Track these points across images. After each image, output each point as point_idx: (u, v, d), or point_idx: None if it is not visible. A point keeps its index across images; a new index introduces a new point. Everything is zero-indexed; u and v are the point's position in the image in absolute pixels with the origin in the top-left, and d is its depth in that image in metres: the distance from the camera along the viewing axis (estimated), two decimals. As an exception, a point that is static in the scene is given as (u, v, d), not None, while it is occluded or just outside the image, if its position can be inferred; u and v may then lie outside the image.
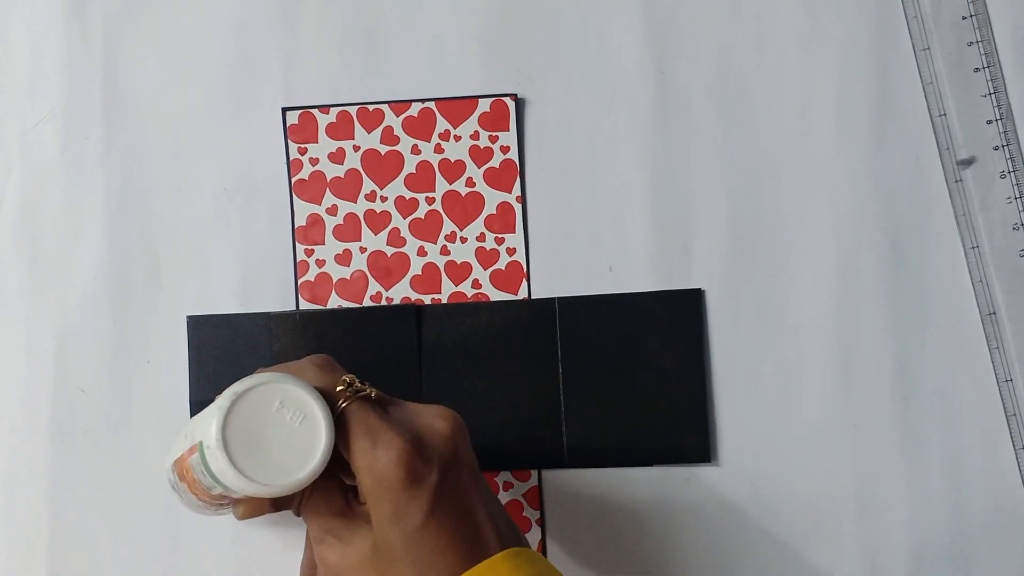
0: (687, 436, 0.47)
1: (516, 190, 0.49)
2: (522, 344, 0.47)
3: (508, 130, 0.49)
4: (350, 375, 0.37)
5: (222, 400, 0.35)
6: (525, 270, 0.48)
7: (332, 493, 0.36)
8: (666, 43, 0.49)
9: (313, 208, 0.49)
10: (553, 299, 0.48)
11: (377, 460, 0.34)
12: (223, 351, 0.48)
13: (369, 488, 0.34)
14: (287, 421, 0.35)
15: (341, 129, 0.49)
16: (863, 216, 0.48)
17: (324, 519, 0.36)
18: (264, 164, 0.49)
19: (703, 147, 0.48)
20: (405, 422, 0.36)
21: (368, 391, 0.36)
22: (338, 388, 0.36)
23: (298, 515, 0.37)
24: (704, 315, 0.48)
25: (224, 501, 0.38)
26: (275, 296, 0.49)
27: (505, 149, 0.49)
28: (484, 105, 0.49)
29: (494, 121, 0.49)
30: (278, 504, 0.37)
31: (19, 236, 0.50)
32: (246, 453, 0.34)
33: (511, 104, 0.49)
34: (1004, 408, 0.47)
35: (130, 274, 0.49)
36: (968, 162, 0.47)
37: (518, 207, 0.48)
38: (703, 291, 0.48)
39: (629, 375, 0.47)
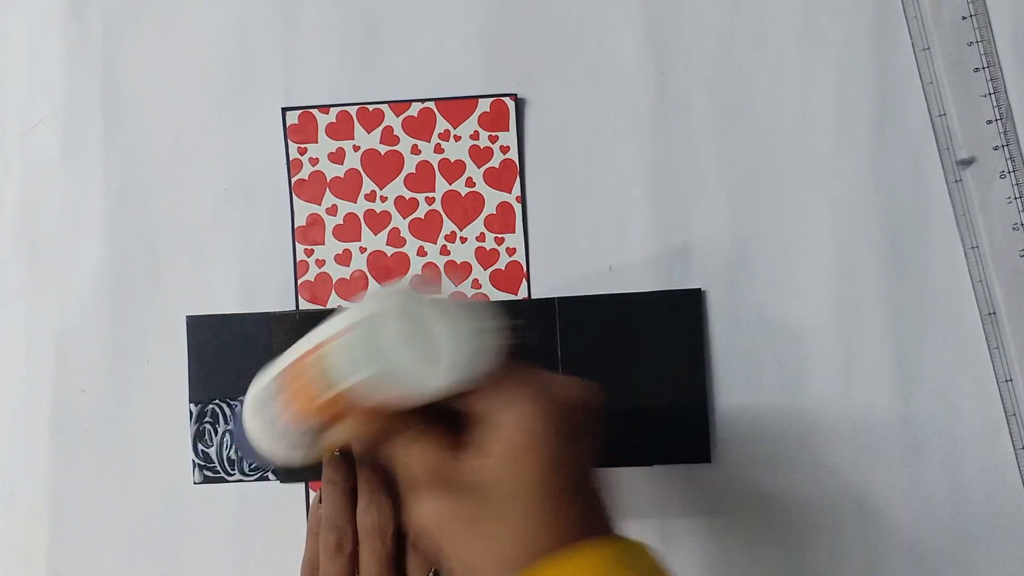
0: (687, 436, 0.47)
1: (516, 190, 0.48)
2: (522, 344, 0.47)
3: (508, 130, 0.49)
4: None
5: (397, 285, 0.33)
6: (525, 270, 0.48)
7: (436, 438, 0.34)
8: (666, 43, 0.49)
9: (313, 208, 0.49)
10: (553, 299, 0.48)
11: (516, 413, 0.32)
12: (223, 351, 0.48)
13: (498, 441, 0.32)
14: (453, 332, 0.33)
15: (341, 129, 0.49)
16: (863, 216, 0.48)
17: (422, 464, 0.34)
18: (264, 164, 0.49)
19: (703, 147, 0.48)
20: (553, 384, 0.34)
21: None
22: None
23: (386, 456, 0.34)
24: (704, 315, 0.48)
25: (322, 417, 0.34)
26: (275, 296, 0.49)
27: (505, 149, 0.49)
28: (484, 105, 0.49)
29: (494, 121, 0.49)
30: (389, 425, 0.34)
31: (19, 236, 0.50)
32: (412, 333, 0.32)
33: (511, 104, 0.49)
34: (1004, 408, 0.47)
35: (130, 274, 0.49)
36: (968, 162, 0.47)
37: (518, 207, 0.48)
38: (703, 291, 0.48)
39: (629, 375, 0.47)
